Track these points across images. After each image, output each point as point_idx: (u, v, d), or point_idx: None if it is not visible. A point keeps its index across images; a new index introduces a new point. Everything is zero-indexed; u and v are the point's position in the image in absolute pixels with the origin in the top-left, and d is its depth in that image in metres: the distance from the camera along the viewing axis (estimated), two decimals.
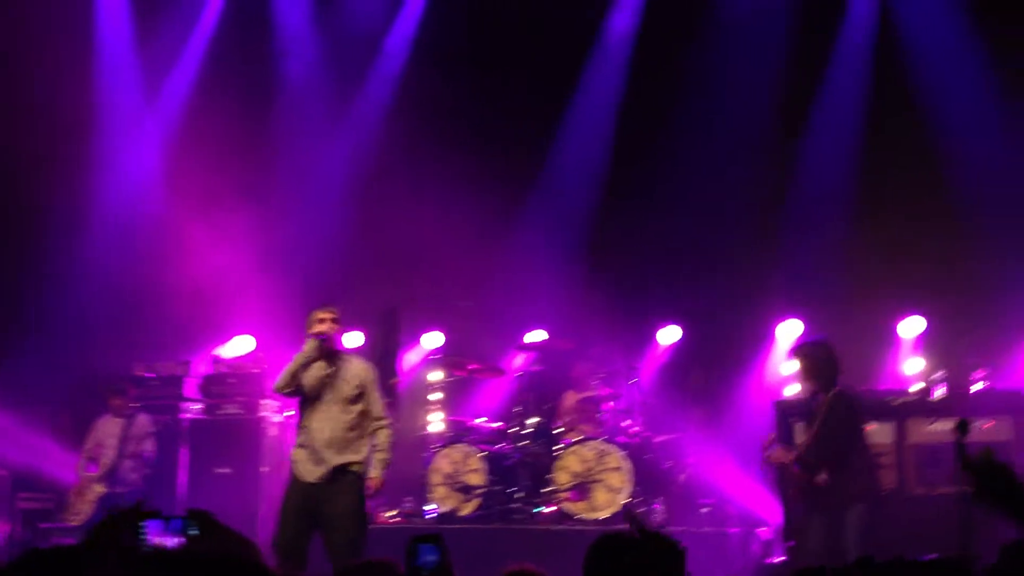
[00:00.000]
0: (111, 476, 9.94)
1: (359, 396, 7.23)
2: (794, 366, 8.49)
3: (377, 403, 7.32)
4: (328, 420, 7.15)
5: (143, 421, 10.26)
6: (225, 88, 12.22)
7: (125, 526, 3.44)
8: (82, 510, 9.85)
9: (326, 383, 7.19)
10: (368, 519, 7.35)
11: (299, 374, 7.16)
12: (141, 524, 3.45)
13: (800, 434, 8.04)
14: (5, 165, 11.19)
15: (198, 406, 10.93)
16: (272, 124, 12.45)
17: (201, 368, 11.25)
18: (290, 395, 7.37)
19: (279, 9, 12.56)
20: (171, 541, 3.48)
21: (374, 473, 7.16)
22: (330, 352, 7.25)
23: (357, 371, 7.30)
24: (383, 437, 7.24)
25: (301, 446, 7.20)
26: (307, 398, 7.23)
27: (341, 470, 7.07)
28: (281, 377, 7.24)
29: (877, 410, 8.50)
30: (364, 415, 7.24)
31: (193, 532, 3.51)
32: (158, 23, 12.36)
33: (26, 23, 10.94)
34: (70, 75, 11.70)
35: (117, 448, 10.03)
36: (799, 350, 7.83)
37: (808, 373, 7.66)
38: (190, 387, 11.00)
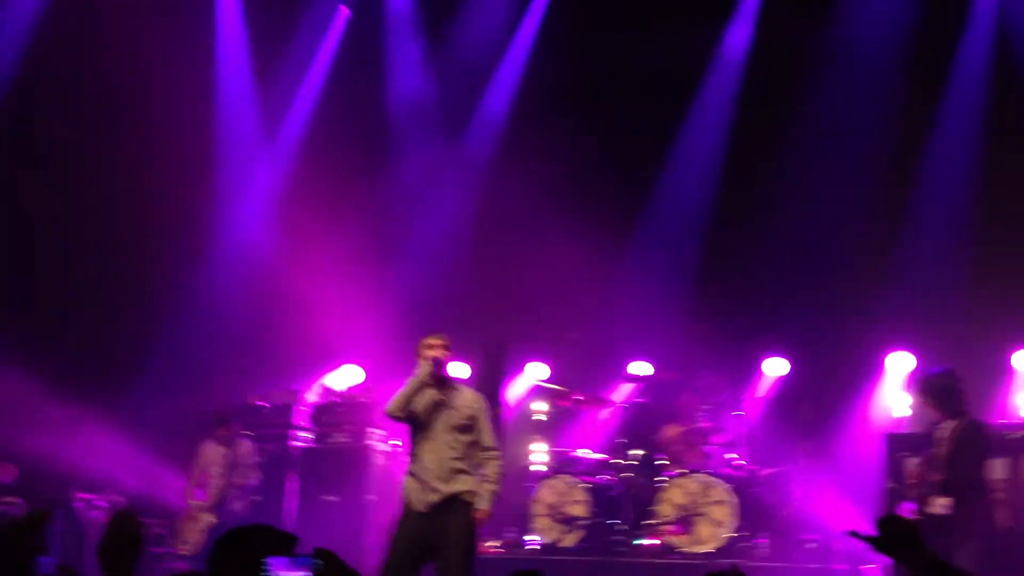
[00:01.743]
0: (220, 506, 10.05)
1: (469, 426, 7.12)
2: (914, 397, 8.26)
3: (488, 433, 7.19)
4: (438, 449, 7.05)
5: (247, 450, 10.37)
6: (340, 124, 12.52)
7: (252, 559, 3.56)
8: (191, 539, 9.97)
9: (437, 411, 7.10)
10: (475, 550, 7.30)
11: (412, 398, 7.08)
12: (264, 560, 3.51)
13: (911, 467, 7.84)
14: (127, 200, 11.61)
15: (308, 435, 11.10)
16: (386, 160, 12.71)
17: (311, 398, 11.44)
18: (401, 420, 7.22)
19: (392, 50, 12.85)
20: None
21: (482, 505, 7.03)
22: (441, 380, 7.16)
23: (468, 400, 7.20)
24: (492, 468, 7.11)
25: (412, 475, 7.13)
26: (418, 426, 7.14)
27: (451, 500, 6.98)
28: (394, 400, 7.13)
29: (993, 445, 8.23)
30: (474, 445, 7.13)
31: (318, 570, 3.56)
32: (276, 61, 12.75)
33: (150, 59, 11.35)
34: (191, 112, 12.08)
35: (223, 476, 10.14)
36: (922, 380, 7.62)
37: (931, 402, 7.46)
38: (300, 416, 11.16)
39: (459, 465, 7.04)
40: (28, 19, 11.56)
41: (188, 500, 10.22)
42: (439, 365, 7.08)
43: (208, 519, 9.98)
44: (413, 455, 7.17)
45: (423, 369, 7.07)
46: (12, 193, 11.66)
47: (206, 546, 9.49)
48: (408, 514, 7.09)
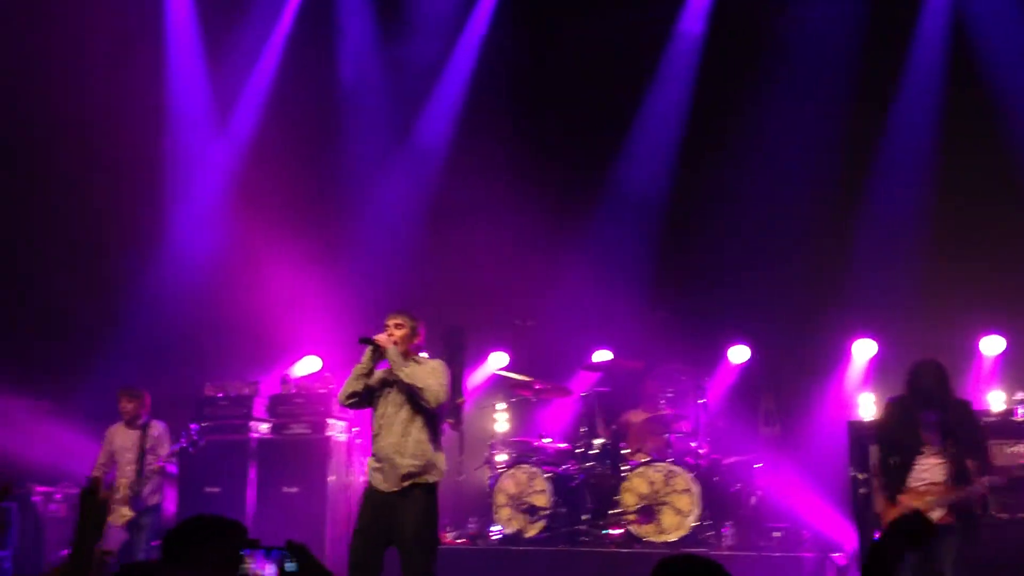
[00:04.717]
0: (135, 498, 9.22)
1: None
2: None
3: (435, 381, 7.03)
4: (395, 424, 6.97)
5: (159, 432, 9.53)
6: (291, 115, 12.37)
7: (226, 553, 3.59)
8: (108, 533, 8.85)
9: (392, 388, 7.05)
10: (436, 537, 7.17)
11: (356, 384, 7.05)
12: (243, 552, 3.60)
13: (874, 456, 7.76)
14: (79, 190, 11.41)
15: (266, 426, 10.96)
16: (338, 149, 12.56)
17: (270, 388, 11.30)
18: (354, 406, 7.24)
19: (344, 35, 12.69)
20: (270, 571, 3.60)
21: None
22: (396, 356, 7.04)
23: (423, 365, 7.13)
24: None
25: (373, 455, 7.08)
26: (376, 406, 7.11)
27: (410, 485, 6.87)
28: (342, 389, 7.16)
29: None
30: (435, 419, 7.05)
31: (291, 566, 3.61)
32: (227, 47, 12.55)
33: (98, 46, 11.15)
34: (141, 99, 11.90)
35: (135, 463, 9.34)
36: (911, 371, 7.34)
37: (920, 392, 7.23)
38: (259, 407, 11.03)
39: (417, 440, 6.94)
40: None
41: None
42: (380, 345, 6.99)
43: (124, 512, 9.14)
44: (374, 435, 7.11)
45: (365, 353, 7.03)
46: None
47: (129, 542, 9.07)
48: (369, 495, 7.03)
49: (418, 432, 6.98)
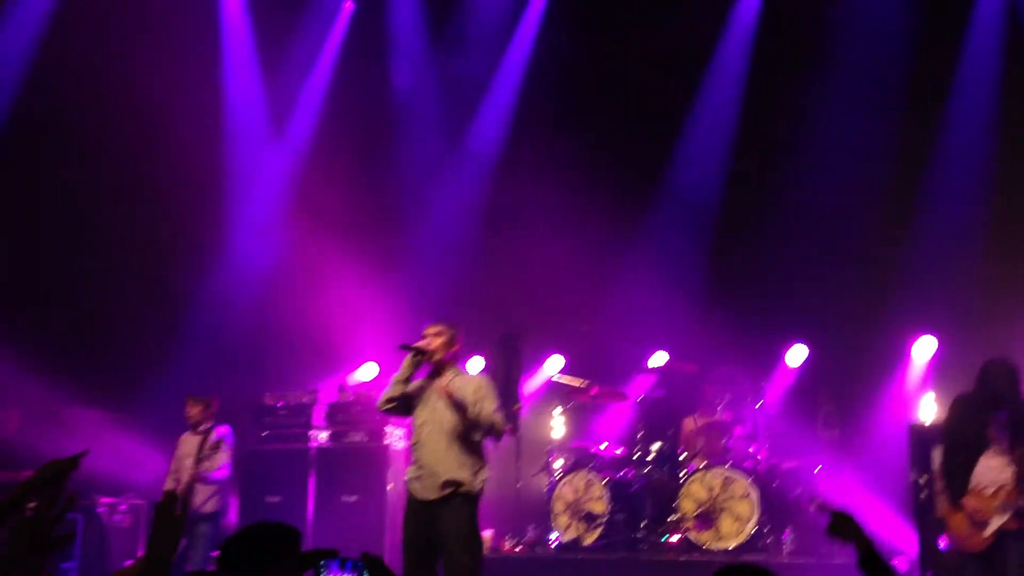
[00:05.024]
0: (185, 501, 9.11)
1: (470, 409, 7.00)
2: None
3: (492, 404, 7.04)
4: (436, 434, 6.97)
5: (216, 436, 9.40)
6: (346, 123, 12.44)
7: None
8: None
9: (433, 398, 7.04)
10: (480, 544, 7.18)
11: (395, 391, 7.06)
12: (323, 563, 3.67)
13: (937, 458, 7.62)
14: (139, 202, 11.57)
15: (325, 434, 11.04)
16: (392, 156, 12.62)
17: (328, 397, 11.38)
18: (392, 413, 7.26)
19: (397, 43, 12.72)
20: None
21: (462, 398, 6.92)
22: (438, 367, 7.10)
23: (467, 382, 7.10)
24: (486, 413, 6.99)
25: (413, 463, 7.10)
26: (416, 415, 7.11)
27: (451, 493, 6.88)
28: (381, 395, 7.18)
29: None
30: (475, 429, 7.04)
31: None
32: (281, 58, 12.67)
33: (157, 59, 11.27)
34: (199, 111, 12.03)
35: (192, 471, 9.18)
36: (982, 369, 7.11)
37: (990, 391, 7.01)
38: (318, 416, 11.10)
39: (458, 449, 6.95)
40: (37, 21, 11.51)
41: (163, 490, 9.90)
42: (421, 355, 7.02)
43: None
44: (413, 444, 7.14)
45: (404, 360, 7.06)
46: (25, 197, 11.62)
47: (186, 549, 8.97)
48: (410, 505, 7.04)
49: (460, 442, 6.97)
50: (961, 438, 7.07)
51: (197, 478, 9.17)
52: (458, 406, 6.90)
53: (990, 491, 6.84)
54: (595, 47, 11.87)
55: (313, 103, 12.81)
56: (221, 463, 9.31)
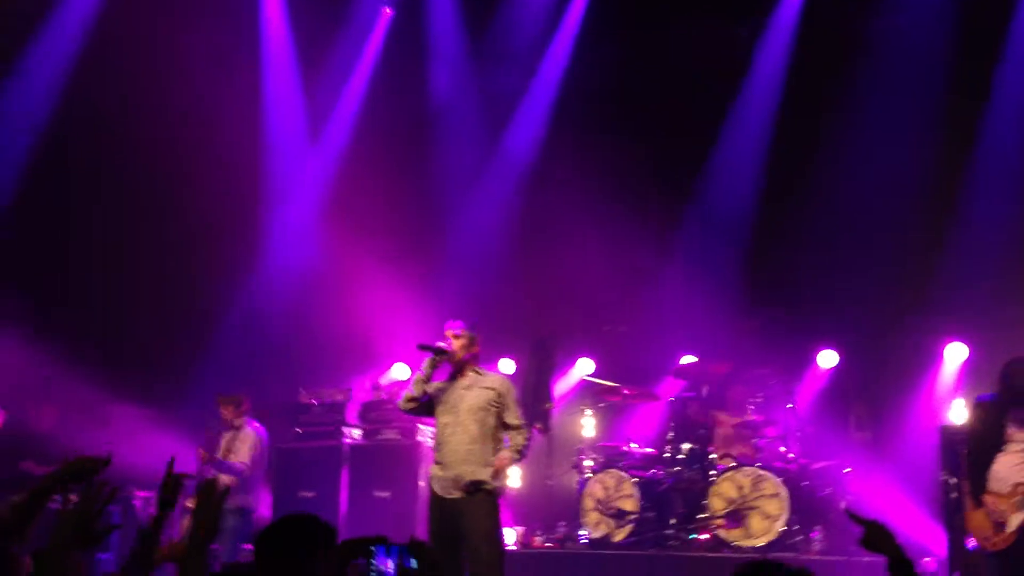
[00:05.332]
0: None
1: (494, 409, 7.09)
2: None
3: (513, 412, 7.15)
4: (458, 434, 7.04)
5: (246, 434, 9.59)
6: (383, 129, 12.58)
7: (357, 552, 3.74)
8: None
9: (456, 397, 7.12)
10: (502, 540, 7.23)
11: (415, 391, 7.14)
12: (373, 548, 3.74)
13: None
14: (178, 205, 11.75)
15: (359, 431, 11.16)
16: (428, 161, 12.74)
17: (362, 395, 11.51)
18: (413, 413, 7.34)
19: (435, 49, 12.86)
20: (390, 567, 3.73)
21: (504, 454, 7.08)
22: (459, 367, 7.20)
23: (490, 382, 7.17)
24: (517, 440, 7.11)
25: (436, 462, 7.16)
26: (439, 414, 7.17)
27: (473, 490, 6.95)
28: (402, 395, 7.26)
29: None
30: (499, 428, 7.13)
31: (411, 563, 3.73)
32: (320, 64, 12.82)
33: (196, 64, 11.44)
34: (238, 115, 12.19)
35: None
36: (1003, 369, 7.19)
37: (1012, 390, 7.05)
38: (351, 413, 11.23)
39: (480, 448, 7.02)
40: (79, 27, 11.72)
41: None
42: (441, 354, 7.09)
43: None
44: (437, 443, 7.20)
45: (425, 361, 7.14)
46: (67, 198, 11.83)
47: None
48: (434, 503, 7.11)
49: (483, 442, 7.05)
50: (979, 436, 7.09)
51: (213, 462, 9.29)
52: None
53: (1007, 489, 6.85)
54: (632, 56, 11.94)
55: (351, 109, 12.93)
56: (243, 455, 9.45)
